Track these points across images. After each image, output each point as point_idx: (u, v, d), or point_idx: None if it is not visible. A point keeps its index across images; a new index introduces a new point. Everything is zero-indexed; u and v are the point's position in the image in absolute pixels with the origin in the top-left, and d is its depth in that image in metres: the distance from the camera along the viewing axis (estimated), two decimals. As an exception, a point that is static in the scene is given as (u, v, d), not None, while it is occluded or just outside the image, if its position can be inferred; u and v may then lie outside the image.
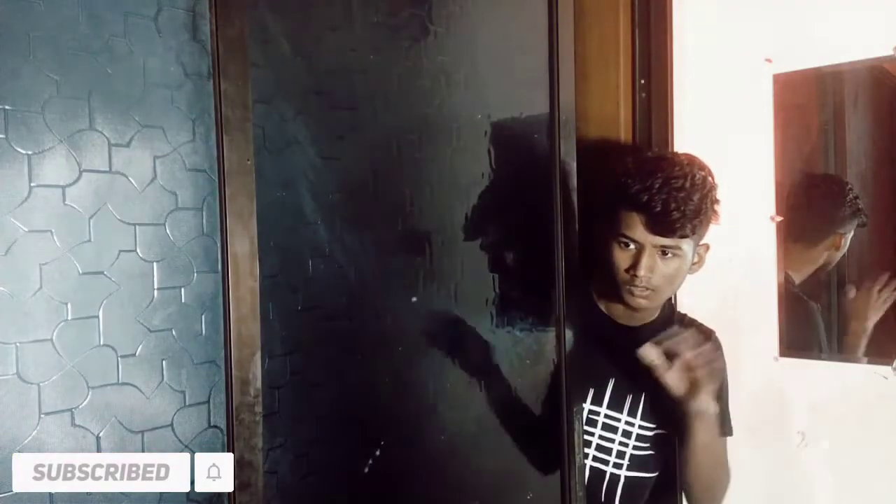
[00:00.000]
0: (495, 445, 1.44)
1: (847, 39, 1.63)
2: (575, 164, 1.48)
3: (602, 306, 1.52)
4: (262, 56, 1.02)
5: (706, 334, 1.51)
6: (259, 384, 1.00)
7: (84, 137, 0.86)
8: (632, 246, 1.33)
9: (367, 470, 1.19)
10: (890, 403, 1.67)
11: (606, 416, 1.45)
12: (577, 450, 1.47)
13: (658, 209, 1.26)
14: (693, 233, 1.29)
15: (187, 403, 0.95)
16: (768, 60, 1.74)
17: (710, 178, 1.34)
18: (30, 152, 0.81)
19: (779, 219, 1.77)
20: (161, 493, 0.92)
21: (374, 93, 1.19)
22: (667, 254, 1.30)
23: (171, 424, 0.93)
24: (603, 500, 1.48)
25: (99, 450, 0.87)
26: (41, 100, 0.82)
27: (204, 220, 0.96)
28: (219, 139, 0.96)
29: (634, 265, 1.31)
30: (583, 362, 1.43)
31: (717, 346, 1.49)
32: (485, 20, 1.40)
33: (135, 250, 0.90)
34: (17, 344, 0.80)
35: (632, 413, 1.44)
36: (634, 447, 1.45)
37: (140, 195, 0.90)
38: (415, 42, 1.26)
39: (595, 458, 1.47)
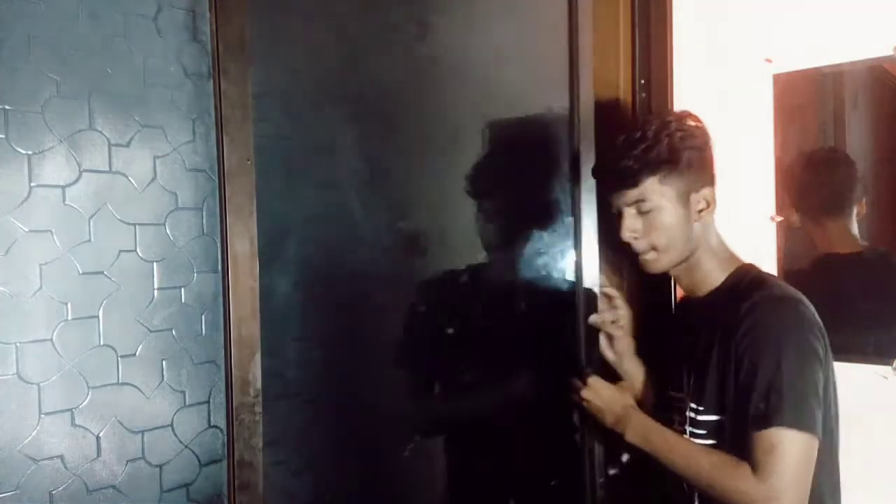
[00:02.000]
0: (512, 438, 1.45)
1: (847, 39, 1.63)
2: (594, 160, 1.51)
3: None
4: (263, 55, 1.02)
5: (778, 300, 1.20)
6: (259, 384, 0.99)
7: (84, 137, 0.86)
8: (616, 213, 1.32)
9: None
10: (890, 403, 1.67)
11: (681, 399, 1.30)
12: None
13: (609, 165, 1.27)
14: (649, 176, 1.23)
15: (187, 403, 0.95)
16: (768, 60, 1.73)
17: (676, 122, 1.27)
18: (30, 152, 0.81)
19: (779, 219, 1.77)
20: (161, 493, 0.92)
21: (387, 90, 1.20)
22: (643, 210, 1.27)
23: (171, 424, 0.93)
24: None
25: (99, 450, 0.87)
26: (41, 100, 0.82)
27: (204, 220, 0.96)
28: (219, 139, 0.96)
29: (620, 230, 1.30)
30: (666, 343, 1.40)
31: (788, 314, 1.19)
32: (505, 21, 1.42)
33: (135, 250, 0.90)
34: (17, 344, 0.80)
35: (687, 392, 1.29)
36: (691, 434, 1.27)
37: (140, 195, 0.90)
38: (437, 42, 1.27)
39: None
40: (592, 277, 1.54)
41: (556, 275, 1.53)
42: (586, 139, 1.52)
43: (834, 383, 1.23)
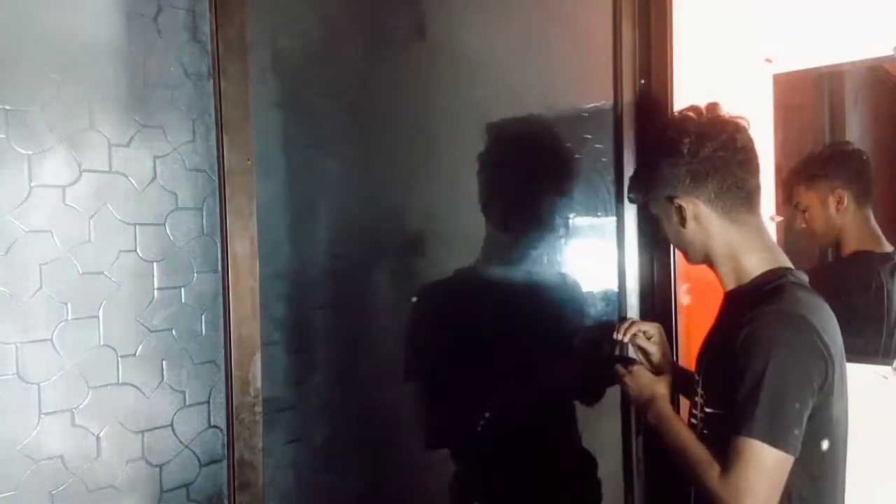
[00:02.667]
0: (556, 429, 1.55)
1: (847, 39, 1.63)
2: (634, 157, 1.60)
3: None
4: (263, 55, 1.02)
5: (781, 315, 1.19)
6: (259, 384, 0.99)
7: (84, 137, 0.85)
8: None
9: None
10: (890, 403, 1.67)
11: (696, 381, 1.34)
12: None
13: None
14: (642, 193, 1.38)
15: (187, 403, 0.95)
16: (768, 60, 1.73)
17: (674, 141, 1.30)
18: (30, 152, 0.81)
19: (778, 219, 1.77)
20: (161, 493, 0.92)
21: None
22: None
23: (171, 424, 0.93)
24: None
25: (99, 450, 0.87)
26: (41, 100, 0.82)
27: (204, 220, 0.96)
28: (219, 139, 0.96)
29: None
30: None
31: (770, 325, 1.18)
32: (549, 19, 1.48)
33: (135, 250, 0.90)
34: (17, 344, 0.80)
35: (697, 378, 1.33)
36: (698, 418, 1.30)
37: (140, 195, 0.90)
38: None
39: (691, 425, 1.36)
40: (634, 272, 1.65)
41: (599, 270, 1.63)
42: (628, 137, 1.60)
43: (844, 410, 1.25)
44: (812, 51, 1.69)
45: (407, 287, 1.25)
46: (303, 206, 1.09)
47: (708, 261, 1.33)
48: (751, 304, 1.21)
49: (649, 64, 1.67)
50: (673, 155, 1.29)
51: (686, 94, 1.76)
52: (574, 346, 1.60)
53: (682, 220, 1.30)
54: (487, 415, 1.39)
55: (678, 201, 1.30)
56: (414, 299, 1.25)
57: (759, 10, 1.73)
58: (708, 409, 1.26)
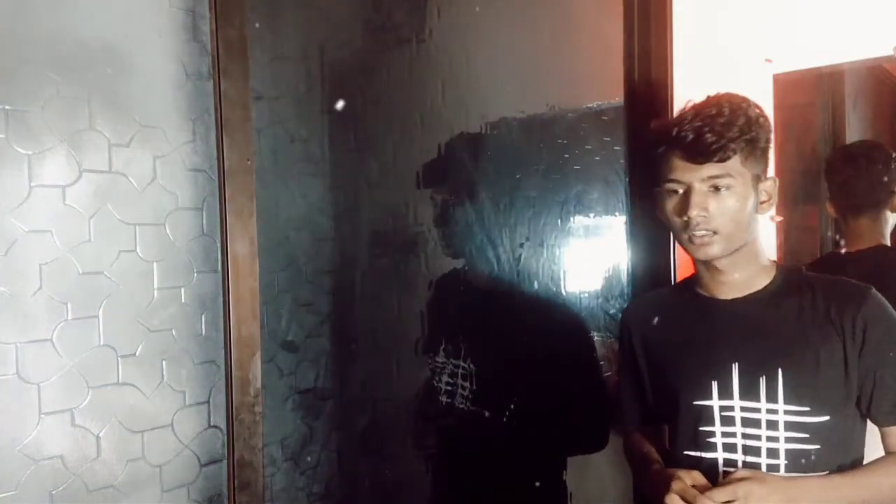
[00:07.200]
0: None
1: (847, 39, 1.63)
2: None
3: (699, 287, 1.32)
4: (263, 55, 1.02)
5: (856, 292, 1.21)
6: (259, 384, 1.00)
7: (84, 137, 0.86)
8: (680, 190, 1.21)
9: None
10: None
11: (743, 408, 1.22)
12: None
13: (691, 137, 1.18)
14: (735, 153, 1.17)
15: (187, 403, 0.95)
16: (768, 60, 1.73)
17: (756, 109, 1.22)
18: (30, 152, 0.81)
19: (779, 219, 1.77)
20: (161, 493, 0.92)
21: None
22: (719, 189, 1.18)
23: (171, 424, 0.93)
24: None
25: (99, 450, 0.87)
26: (41, 100, 0.82)
27: (204, 220, 0.96)
28: (219, 139, 0.96)
29: (686, 207, 1.19)
30: (693, 355, 1.29)
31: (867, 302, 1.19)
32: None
33: (135, 250, 0.90)
34: (17, 344, 0.80)
35: (771, 398, 1.21)
36: (788, 439, 1.20)
37: (140, 195, 0.90)
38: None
39: (746, 464, 1.21)
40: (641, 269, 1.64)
41: (609, 271, 1.64)
42: (641, 135, 1.59)
43: None
44: (812, 51, 1.69)
45: (410, 286, 1.25)
46: (304, 205, 1.09)
47: (741, 252, 1.23)
48: (817, 297, 1.21)
49: (649, 64, 1.67)
50: (768, 133, 1.24)
51: (686, 94, 1.76)
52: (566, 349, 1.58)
53: (762, 204, 1.23)
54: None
55: (768, 184, 1.23)
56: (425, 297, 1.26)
57: (759, 9, 1.73)
58: (815, 420, 1.19)
